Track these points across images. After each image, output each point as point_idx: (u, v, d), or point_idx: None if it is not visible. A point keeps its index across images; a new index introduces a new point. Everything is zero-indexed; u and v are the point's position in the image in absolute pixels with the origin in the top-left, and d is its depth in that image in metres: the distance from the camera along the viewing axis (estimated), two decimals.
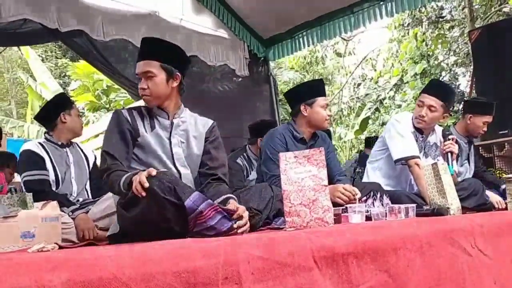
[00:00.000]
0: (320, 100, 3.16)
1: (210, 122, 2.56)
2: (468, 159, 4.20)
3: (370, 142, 6.37)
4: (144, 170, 1.99)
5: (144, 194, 1.87)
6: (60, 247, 1.83)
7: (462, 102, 11.07)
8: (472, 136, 4.17)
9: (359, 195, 2.77)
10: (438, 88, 3.48)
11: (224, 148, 2.58)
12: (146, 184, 1.87)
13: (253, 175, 4.03)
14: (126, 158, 2.29)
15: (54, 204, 2.39)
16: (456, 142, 4.06)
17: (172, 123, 2.42)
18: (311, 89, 3.25)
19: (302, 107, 3.18)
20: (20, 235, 2.11)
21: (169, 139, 2.39)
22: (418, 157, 3.28)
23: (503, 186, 3.48)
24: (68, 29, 4.52)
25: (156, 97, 2.35)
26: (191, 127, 2.48)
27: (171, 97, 2.41)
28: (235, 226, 1.98)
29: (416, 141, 3.42)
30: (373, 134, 11.86)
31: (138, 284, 1.12)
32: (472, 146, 4.25)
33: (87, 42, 4.92)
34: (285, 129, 3.21)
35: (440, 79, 11.42)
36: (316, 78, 13.37)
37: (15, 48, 11.62)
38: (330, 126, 3.30)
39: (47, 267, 1.05)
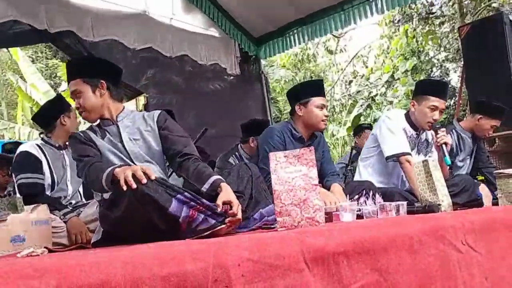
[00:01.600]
0: (315, 100, 3.15)
1: (156, 112, 2.58)
2: (471, 155, 4.23)
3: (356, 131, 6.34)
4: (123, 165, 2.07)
5: (134, 186, 1.90)
6: (50, 251, 1.83)
7: (452, 98, 11.12)
8: (477, 136, 4.19)
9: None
10: (445, 90, 3.49)
11: (181, 129, 2.58)
12: (144, 180, 1.90)
13: None
14: (98, 157, 2.35)
15: (44, 207, 2.38)
16: (459, 136, 4.09)
17: (117, 126, 2.47)
18: (307, 89, 3.25)
19: (297, 107, 3.19)
20: (10, 239, 2.10)
21: (121, 142, 2.43)
22: (409, 154, 3.29)
23: None
24: (57, 30, 4.49)
25: (90, 111, 2.44)
26: (141, 124, 2.50)
27: (106, 105, 2.47)
28: (226, 221, 2.03)
29: (410, 137, 3.43)
30: None
31: None
32: (478, 143, 4.28)
33: (77, 42, 4.89)
34: (283, 127, 3.21)
35: (431, 75, 11.47)
36: (308, 75, 13.39)
37: (4, 49, 11.52)
38: (325, 125, 3.26)
39: (35, 274, 1.04)
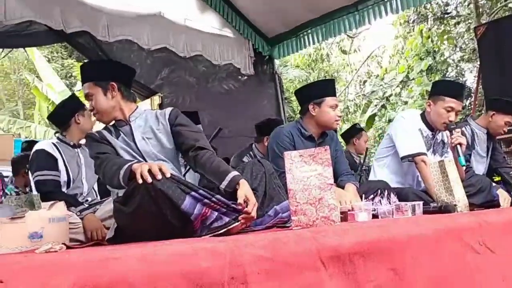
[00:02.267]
0: (329, 100, 3.14)
1: (168, 110, 2.60)
2: (487, 154, 4.19)
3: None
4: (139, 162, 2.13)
5: (150, 181, 1.93)
6: (68, 248, 1.85)
7: (468, 98, 11.02)
8: (492, 134, 4.15)
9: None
10: (462, 92, 3.47)
11: (194, 124, 2.61)
12: (159, 176, 1.94)
13: None
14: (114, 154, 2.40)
15: (61, 204, 2.40)
16: (473, 132, 4.05)
17: (130, 126, 2.50)
18: (321, 88, 3.24)
19: (310, 106, 3.18)
20: (28, 236, 2.13)
21: (134, 141, 2.46)
22: (425, 154, 3.27)
23: None
24: (73, 30, 4.53)
25: (103, 113, 2.50)
26: (154, 123, 2.53)
27: (118, 106, 2.50)
28: (240, 218, 2.05)
29: (426, 138, 3.40)
30: (380, 132, 11.84)
31: (144, 285, 1.12)
32: (494, 143, 4.24)
33: (92, 43, 4.94)
34: (292, 127, 3.21)
35: (447, 75, 11.38)
36: (322, 75, 13.35)
37: (21, 49, 11.67)
38: (338, 125, 3.26)
39: (55, 270, 1.05)
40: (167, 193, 1.91)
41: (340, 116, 3.20)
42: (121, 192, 2.21)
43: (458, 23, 11.31)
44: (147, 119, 2.54)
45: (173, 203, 1.92)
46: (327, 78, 13.21)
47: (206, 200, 1.98)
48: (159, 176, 1.93)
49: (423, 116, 3.47)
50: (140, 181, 1.93)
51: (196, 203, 1.96)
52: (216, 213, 2.01)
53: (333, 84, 3.34)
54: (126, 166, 2.10)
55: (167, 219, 1.94)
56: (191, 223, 1.96)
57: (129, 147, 2.44)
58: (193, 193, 1.96)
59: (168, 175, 1.97)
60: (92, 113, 2.55)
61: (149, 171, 1.95)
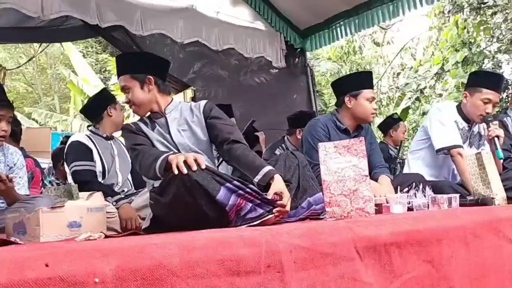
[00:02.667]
0: (366, 93, 3.11)
1: (202, 102, 2.61)
2: None
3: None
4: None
5: (185, 172, 1.94)
6: (106, 236, 1.89)
7: (505, 91, 10.72)
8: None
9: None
10: (500, 83, 3.38)
11: (228, 117, 2.62)
12: (194, 167, 1.95)
13: None
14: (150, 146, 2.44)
15: (99, 195, 2.45)
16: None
17: (166, 119, 2.52)
18: (358, 81, 3.20)
19: (346, 98, 3.15)
20: (67, 225, 2.17)
21: (169, 133, 2.49)
22: (461, 146, 3.21)
23: None
24: (108, 25, 4.60)
25: (139, 105, 2.52)
26: (188, 115, 2.55)
27: (154, 99, 2.52)
28: (274, 211, 2.04)
29: (462, 130, 3.34)
30: (414, 125, 11.65)
31: (183, 271, 1.14)
32: None
33: (127, 37, 5.01)
34: (328, 119, 3.19)
35: (483, 67, 11.10)
36: (354, 68, 13.21)
37: (57, 44, 11.93)
38: (374, 118, 3.24)
39: (97, 255, 1.08)
40: (202, 184, 1.93)
41: (375, 109, 3.16)
42: (157, 183, 2.24)
43: (495, 13, 11.00)
44: (182, 111, 2.57)
45: (209, 194, 1.94)
46: (362, 70, 13.09)
47: (240, 191, 1.99)
48: (195, 167, 1.95)
49: (459, 108, 3.40)
50: (176, 171, 1.96)
51: (231, 194, 1.97)
52: (250, 204, 2.01)
53: (370, 76, 3.31)
54: (162, 157, 2.13)
55: (203, 209, 1.96)
56: (226, 214, 1.98)
57: (165, 139, 2.48)
58: (228, 184, 1.98)
59: (203, 166, 1.98)
60: (128, 105, 2.59)
61: (185, 162, 1.97)
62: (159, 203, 2.13)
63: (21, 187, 2.78)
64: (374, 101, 3.14)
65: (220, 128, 2.47)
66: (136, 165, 2.38)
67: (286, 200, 2.09)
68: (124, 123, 2.67)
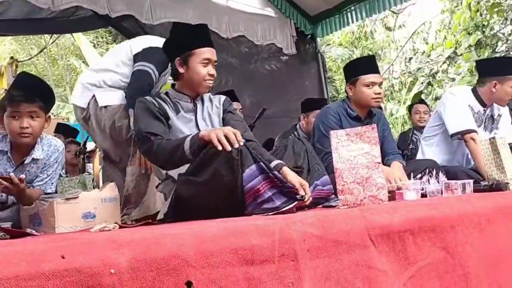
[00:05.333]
0: (363, 78, 3.05)
1: (223, 97, 2.60)
2: None
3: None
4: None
5: (229, 148, 1.91)
6: (120, 227, 1.91)
7: None
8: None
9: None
10: None
11: (241, 117, 2.61)
12: (236, 144, 1.92)
13: None
14: (166, 134, 2.30)
15: (112, 185, 2.47)
16: None
17: (195, 105, 2.46)
18: (354, 68, 3.19)
19: (347, 88, 3.16)
20: (81, 216, 2.20)
21: (195, 121, 2.43)
22: (475, 131, 3.18)
23: None
24: (118, 15, 4.60)
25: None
26: (209, 106, 2.52)
27: None
28: (305, 198, 2.02)
29: (477, 113, 3.31)
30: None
31: (198, 261, 1.15)
32: None
33: (137, 26, 5.01)
34: (339, 107, 3.16)
35: (496, 50, 10.94)
36: (365, 53, 13.10)
37: (68, 35, 11.95)
38: (381, 103, 3.17)
39: (112, 246, 1.09)
40: (243, 161, 1.92)
41: (379, 93, 3.08)
42: (172, 172, 2.23)
43: None
44: (204, 100, 2.53)
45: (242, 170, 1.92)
46: (361, 56, 13.00)
47: (270, 174, 1.95)
48: (236, 145, 1.92)
49: (474, 92, 3.37)
50: (220, 147, 1.91)
51: (258, 174, 1.94)
52: (269, 193, 1.95)
53: (367, 61, 3.25)
54: (190, 136, 2.08)
55: (238, 189, 1.93)
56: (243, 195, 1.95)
57: (188, 125, 2.40)
58: (260, 163, 1.95)
59: (242, 142, 1.96)
60: (211, 79, 2.43)
61: (226, 137, 1.93)
62: (192, 184, 2.07)
63: (44, 185, 2.69)
64: (377, 85, 3.06)
65: (233, 124, 2.44)
66: (150, 155, 2.29)
67: (308, 189, 2.08)
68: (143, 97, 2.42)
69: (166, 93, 2.47)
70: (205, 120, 2.47)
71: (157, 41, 3.02)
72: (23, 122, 2.40)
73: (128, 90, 2.96)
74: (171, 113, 2.37)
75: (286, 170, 2.14)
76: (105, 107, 3.04)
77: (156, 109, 2.33)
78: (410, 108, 5.68)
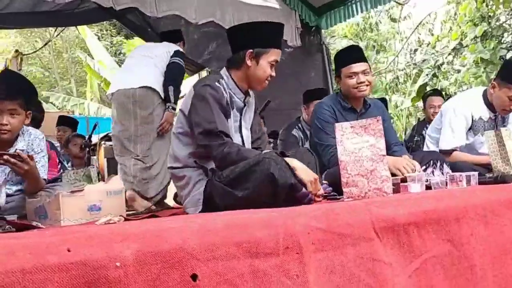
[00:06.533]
0: (344, 70, 3.02)
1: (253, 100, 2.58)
2: None
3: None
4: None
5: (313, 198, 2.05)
6: (126, 219, 1.91)
7: None
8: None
9: (418, 169, 2.67)
10: None
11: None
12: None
13: (307, 146, 4.06)
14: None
15: (117, 178, 2.48)
16: None
17: (244, 105, 2.43)
18: (336, 62, 3.17)
19: (336, 81, 3.16)
20: (87, 208, 2.21)
21: (240, 126, 2.41)
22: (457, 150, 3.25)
23: None
24: (122, 7, 4.60)
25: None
26: (249, 110, 2.50)
27: None
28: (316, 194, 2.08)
29: (487, 122, 3.26)
30: None
31: (202, 254, 1.16)
32: None
33: (141, 19, 5.01)
34: (333, 100, 3.14)
35: (502, 41, 10.85)
36: (370, 45, 13.02)
37: (72, 27, 11.96)
38: (363, 92, 3.02)
39: (117, 239, 1.10)
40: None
41: (362, 82, 2.95)
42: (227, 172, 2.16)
43: None
44: (249, 102, 2.51)
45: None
46: (376, 47, 12.92)
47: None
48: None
49: (485, 97, 3.29)
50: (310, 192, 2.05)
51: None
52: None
53: (348, 51, 3.21)
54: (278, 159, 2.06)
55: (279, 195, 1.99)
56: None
57: (234, 124, 2.35)
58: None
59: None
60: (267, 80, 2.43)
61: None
62: (230, 196, 2.08)
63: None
64: (360, 74, 2.96)
65: (258, 131, 2.55)
66: (217, 154, 2.17)
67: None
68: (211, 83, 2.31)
69: (221, 77, 2.37)
70: (247, 128, 2.46)
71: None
72: (3, 119, 2.44)
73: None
74: (231, 109, 2.32)
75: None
76: None
77: (225, 103, 2.27)
78: (424, 99, 5.41)
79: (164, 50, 3.58)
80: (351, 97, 3.05)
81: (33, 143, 2.70)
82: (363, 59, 3.07)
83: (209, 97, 2.21)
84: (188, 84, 4.59)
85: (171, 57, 3.52)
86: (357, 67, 2.98)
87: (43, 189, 2.40)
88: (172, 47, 3.64)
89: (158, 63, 3.50)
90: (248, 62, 2.32)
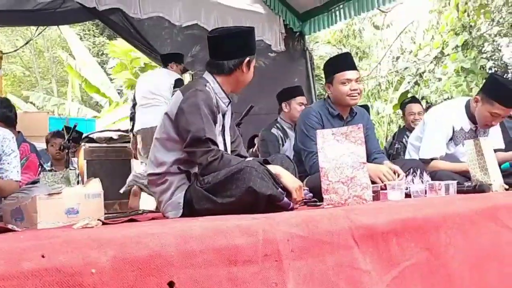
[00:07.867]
0: (337, 77, 3.02)
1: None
2: None
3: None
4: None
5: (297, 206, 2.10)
6: (103, 223, 1.89)
7: (505, 74, 10.69)
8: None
9: (402, 176, 2.70)
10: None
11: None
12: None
13: (286, 145, 4.07)
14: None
15: (96, 181, 2.44)
16: None
17: (226, 111, 2.41)
18: (328, 67, 3.17)
19: (326, 87, 3.15)
20: (64, 211, 2.17)
21: (223, 130, 2.38)
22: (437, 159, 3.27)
23: None
24: (106, 7, 4.56)
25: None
26: (229, 113, 2.49)
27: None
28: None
29: (468, 132, 3.28)
30: None
31: (180, 261, 1.14)
32: None
33: (124, 20, 4.97)
34: (320, 106, 3.15)
35: (483, 50, 11.03)
36: (353, 52, 13.11)
37: (54, 27, 11.83)
38: (357, 100, 3.08)
39: (93, 245, 1.08)
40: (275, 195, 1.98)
41: (355, 89, 3.00)
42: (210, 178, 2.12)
43: None
44: (229, 107, 2.49)
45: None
46: (359, 54, 12.98)
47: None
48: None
49: (467, 108, 3.30)
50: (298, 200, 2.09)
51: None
52: None
53: (342, 58, 3.23)
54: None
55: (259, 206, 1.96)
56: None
57: (218, 128, 2.30)
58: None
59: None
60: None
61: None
62: (210, 202, 2.07)
63: (9, 173, 2.71)
64: (353, 81, 3.00)
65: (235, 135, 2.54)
66: (203, 161, 2.12)
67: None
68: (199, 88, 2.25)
69: (206, 81, 2.33)
70: (228, 131, 2.42)
71: None
72: None
73: None
74: (217, 114, 2.29)
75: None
76: None
77: (214, 108, 2.25)
78: (402, 107, 5.39)
79: (168, 82, 4.44)
80: (341, 104, 3.07)
81: (3, 144, 2.66)
82: (355, 67, 3.12)
83: (201, 102, 2.17)
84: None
85: (174, 87, 4.34)
86: (352, 74, 3.02)
87: (20, 191, 2.36)
88: (173, 77, 4.45)
89: (165, 99, 4.38)
90: (245, 69, 2.34)
